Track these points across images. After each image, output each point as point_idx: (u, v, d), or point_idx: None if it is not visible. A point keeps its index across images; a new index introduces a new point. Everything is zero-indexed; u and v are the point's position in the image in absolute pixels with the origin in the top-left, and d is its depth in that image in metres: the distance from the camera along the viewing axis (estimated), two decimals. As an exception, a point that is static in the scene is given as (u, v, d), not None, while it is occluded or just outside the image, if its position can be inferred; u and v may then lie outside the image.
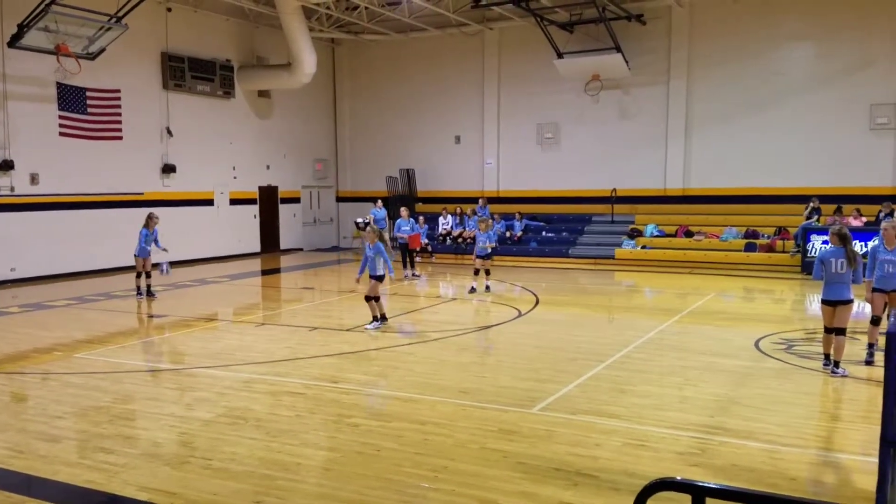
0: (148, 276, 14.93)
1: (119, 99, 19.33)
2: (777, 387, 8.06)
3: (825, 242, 15.38)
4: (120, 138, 19.44)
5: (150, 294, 14.87)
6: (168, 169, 20.82)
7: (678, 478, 2.66)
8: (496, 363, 9.75)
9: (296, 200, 25.76)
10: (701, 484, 2.17)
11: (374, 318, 11.47)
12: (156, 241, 14.91)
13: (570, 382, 8.23)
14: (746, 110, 20.92)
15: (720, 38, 21.09)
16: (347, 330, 11.44)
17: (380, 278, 11.43)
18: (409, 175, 25.18)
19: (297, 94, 24.70)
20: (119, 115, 19.36)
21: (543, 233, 22.48)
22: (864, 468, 5.71)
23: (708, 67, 21.31)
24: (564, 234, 22.22)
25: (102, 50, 17.63)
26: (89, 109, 18.67)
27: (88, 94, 18.59)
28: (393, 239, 18.78)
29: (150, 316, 13.31)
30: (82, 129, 18.59)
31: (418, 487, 5.42)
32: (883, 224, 9.05)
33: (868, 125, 19.65)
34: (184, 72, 21.00)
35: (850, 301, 8.50)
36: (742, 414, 7.10)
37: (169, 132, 20.82)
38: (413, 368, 9.04)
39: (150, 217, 15.06)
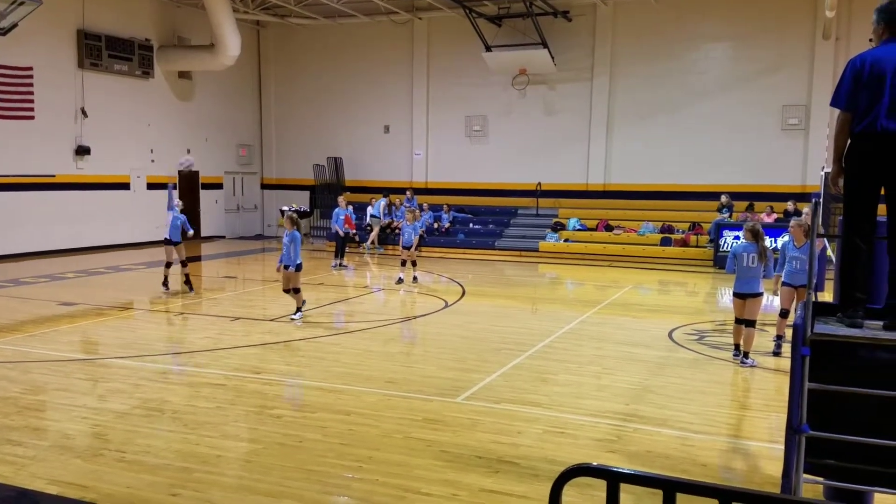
0: (185, 264, 13.84)
1: (31, 77, 18.40)
2: (689, 376, 8.37)
3: (737, 238, 16.00)
4: (32, 118, 18.53)
5: (187, 284, 13.77)
6: (82, 151, 19.96)
7: (594, 464, 2.74)
8: (422, 353, 9.79)
9: (218, 186, 25.12)
10: (616, 469, 2.24)
11: (299, 309, 11.31)
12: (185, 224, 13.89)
13: (494, 372, 8.34)
14: (665, 108, 21.54)
15: (642, 37, 21.62)
16: (271, 320, 11.27)
17: (297, 267, 11.07)
18: (336, 163, 24.91)
19: (220, 77, 24.04)
20: (31, 93, 18.44)
21: (471, 225, 22.64)
22: (771, 455, 5.99)
23: (630, 66, 21.82)
24: (491, 226, 22.44)
25: (14, 25, 16.68)
26: (-2, 87, 17.77)
27: (-3, 70, 17.69)
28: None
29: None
30: (-10, 108, 17.67)
31: (341, 478, 5.40)
32: (791, 222, 9.45)
33: (780, 126, 20.52)
34: (101, 50, 20.17)
35: (761, 294, 8.89)
36: (656, 402, 7.34)
37: (84, 112, 19.97)
38: (338, 359, 8.99)
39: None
